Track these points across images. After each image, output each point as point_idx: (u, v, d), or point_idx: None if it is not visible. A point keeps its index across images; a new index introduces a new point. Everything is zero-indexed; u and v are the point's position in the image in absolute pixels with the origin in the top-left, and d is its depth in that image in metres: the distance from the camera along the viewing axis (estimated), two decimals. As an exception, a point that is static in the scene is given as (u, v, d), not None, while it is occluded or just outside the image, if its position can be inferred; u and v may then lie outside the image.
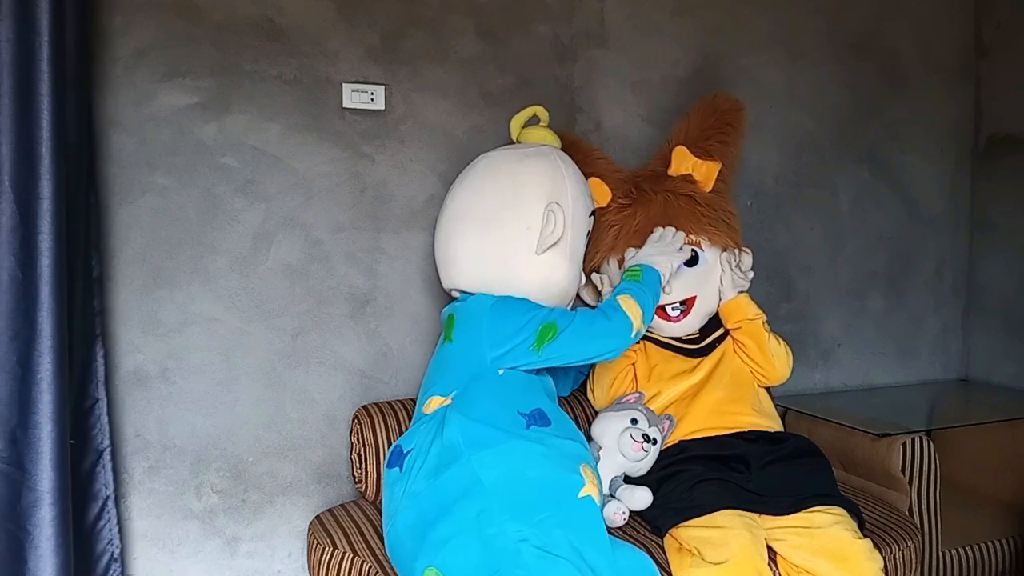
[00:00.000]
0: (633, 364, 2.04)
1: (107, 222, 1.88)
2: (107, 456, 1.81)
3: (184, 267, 1.94)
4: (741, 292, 2.02)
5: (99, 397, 1.80)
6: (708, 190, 2.02)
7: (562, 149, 1.89)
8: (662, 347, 2.03)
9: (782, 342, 2.03)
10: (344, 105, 2.04)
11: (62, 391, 1.62)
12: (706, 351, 2.01)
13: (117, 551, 1.83)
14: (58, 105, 1.60)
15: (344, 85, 2.03)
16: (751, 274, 2.05)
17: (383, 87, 2.07)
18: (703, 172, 2.02)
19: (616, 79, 2.30)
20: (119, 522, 1.83)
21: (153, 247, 1.92)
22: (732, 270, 2.00)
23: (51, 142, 1.59)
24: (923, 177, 2.70)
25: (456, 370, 1.69)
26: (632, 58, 2.32)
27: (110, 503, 1.82)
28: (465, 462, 1.53)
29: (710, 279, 2.01)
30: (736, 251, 2.04)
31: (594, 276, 2.08)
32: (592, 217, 1.89)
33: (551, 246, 1.74)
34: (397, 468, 1.63)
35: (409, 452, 1.63)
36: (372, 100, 2.05)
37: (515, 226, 1.74)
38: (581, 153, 1.99)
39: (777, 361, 2.00)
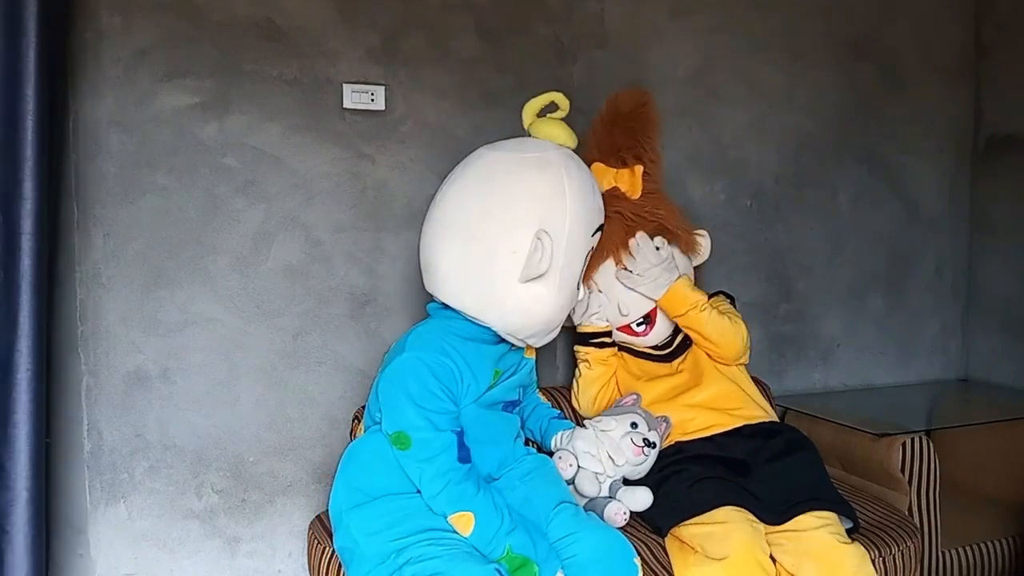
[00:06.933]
0: (614, 374, 2.03)
1: (108, 222, 1.88)
2: None
3: (184, 267, 1.94)
4: (672, 281, 1.91)
5: None
6: (638, 196, 1.95)
7: None
8: (639, 357, 2.03)
9: (727, 317, 1.95)
10: (344, 105, 2.04)
11: (40, 391, 1.62)
12: (680, 351, 2.01)
13: None
14: (43, 105, 1.60)
15: (344, 85, 2.03)
16: (648, 269, 1.90)
17: (383, 87, 2.07)
18: (627, 181, 1.95)
19: (616, 79, 2.30)
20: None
21: (153, 247, 1.92)
22: (625, 280, 1.91)
23: (35, 143, 1.59)
24: (923, 177, 2.70)
25: (373, 405, 1.64)
26: (632, 58, 2.32)
27: None
28: (344, 529, 1.59)
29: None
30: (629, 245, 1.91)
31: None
32: (599, 233, 1.73)
33: (535, 278, 1.59)
34: None
35: None
36: (372, 100, 2.05)
37: (501, 246, 1.58)
38: None
39: (723, 338, 1.93)
